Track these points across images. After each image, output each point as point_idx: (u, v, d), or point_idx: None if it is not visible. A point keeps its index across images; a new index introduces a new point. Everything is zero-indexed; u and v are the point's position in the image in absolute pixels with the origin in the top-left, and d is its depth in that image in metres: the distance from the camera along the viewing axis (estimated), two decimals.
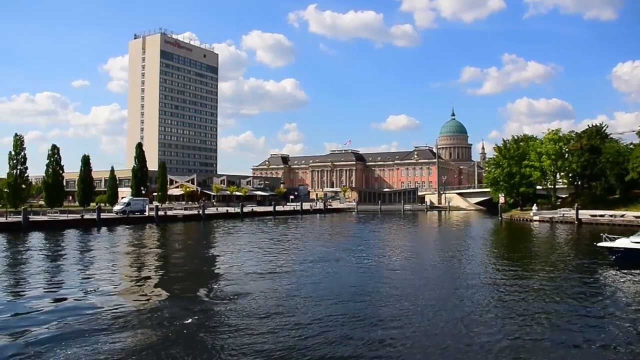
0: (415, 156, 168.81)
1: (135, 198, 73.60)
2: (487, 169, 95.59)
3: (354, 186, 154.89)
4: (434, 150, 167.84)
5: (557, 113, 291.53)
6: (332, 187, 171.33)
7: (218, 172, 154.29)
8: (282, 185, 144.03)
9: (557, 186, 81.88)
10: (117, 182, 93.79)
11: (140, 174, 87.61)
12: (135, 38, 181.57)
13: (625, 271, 23.95)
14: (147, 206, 68.30)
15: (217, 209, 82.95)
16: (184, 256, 33.86)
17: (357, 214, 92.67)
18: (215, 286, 21.40)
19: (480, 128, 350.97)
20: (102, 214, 59.41)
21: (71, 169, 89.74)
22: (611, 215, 58.24)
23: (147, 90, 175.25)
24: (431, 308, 17.01)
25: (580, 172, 76.61)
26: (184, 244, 43.59)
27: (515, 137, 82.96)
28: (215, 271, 26.61)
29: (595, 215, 59.74)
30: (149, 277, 24.58)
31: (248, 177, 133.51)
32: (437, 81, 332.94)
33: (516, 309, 16.99)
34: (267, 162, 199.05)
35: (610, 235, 27.37)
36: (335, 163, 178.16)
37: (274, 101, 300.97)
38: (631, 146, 73.50)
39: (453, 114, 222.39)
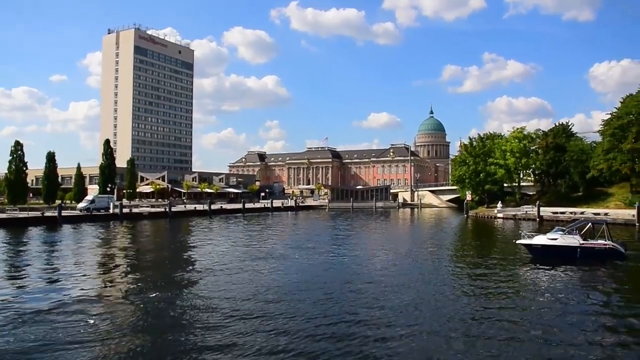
0: (391, 153, 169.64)
1: (100, 195, 72.58)
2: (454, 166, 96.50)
3: (330, 183, 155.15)
4: (411, 148, 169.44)
5: (536, 111, 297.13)
6: (309, 184, 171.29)
7: (193, 169, 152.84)
8: (256, 183, 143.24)
9: (523, 184, 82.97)
10: (87, 179, 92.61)
11: (108, 171, 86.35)
12: (109, 33, 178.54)
13: (541, 267, 24.57)
14: (112, 203, 67.37)
15: (185, 207, 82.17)
16: (137, 255, 33.29)
17: (328, 212, 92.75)
18: (154, 285, 21.14)
19: (460, 126, 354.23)
20: (67, 211, 58.11)
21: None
22: (571, 212, 59.48)
23: (121, 86, 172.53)
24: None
25: (546, 169, 77.94)
26: (140, 242, 42.92)
27: (482, 135, 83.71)
28: (164, 270, 26.30)
29: (557, 213, 61.15)
30: (95, 276, 24.16)
31: (222, 174, 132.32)
32: (419, 79, 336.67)
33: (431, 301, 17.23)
34: (243, 159, 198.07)
35: (528, 232, 27.91)
36: (311, 160, 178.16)
37: (256, 98, 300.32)
38: (594, 145, 75.18)
39: (431, 112, 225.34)
